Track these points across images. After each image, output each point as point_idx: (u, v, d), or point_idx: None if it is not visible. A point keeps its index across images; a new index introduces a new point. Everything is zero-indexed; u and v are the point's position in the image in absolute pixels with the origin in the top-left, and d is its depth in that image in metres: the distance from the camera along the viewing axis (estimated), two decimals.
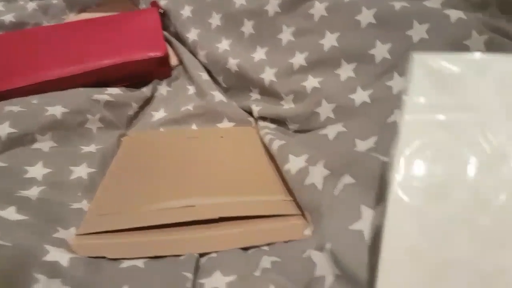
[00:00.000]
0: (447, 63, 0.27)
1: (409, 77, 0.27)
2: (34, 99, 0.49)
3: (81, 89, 0.53)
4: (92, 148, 0.48)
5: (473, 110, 0.25)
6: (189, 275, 0.32)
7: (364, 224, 0.30)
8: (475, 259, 0.22)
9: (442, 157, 0.24)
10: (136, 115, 0.56)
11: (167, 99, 0.58)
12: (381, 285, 0.22)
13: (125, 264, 0.34)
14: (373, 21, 0.48)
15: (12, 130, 0.44)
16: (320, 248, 0.31)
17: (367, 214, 0.31)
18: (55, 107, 0.48)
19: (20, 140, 0.44)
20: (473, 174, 0.23)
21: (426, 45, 0.45)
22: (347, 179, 0.35)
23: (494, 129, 0.24)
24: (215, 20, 0.60)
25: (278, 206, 0.40)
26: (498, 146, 0.24)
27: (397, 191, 0.24)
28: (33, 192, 0.39)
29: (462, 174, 0.24)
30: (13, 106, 0.47)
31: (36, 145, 0.45)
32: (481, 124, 0.25)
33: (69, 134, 0.48)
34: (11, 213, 0.35)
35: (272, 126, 0.54)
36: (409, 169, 0.24)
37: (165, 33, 0.65)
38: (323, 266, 0.30)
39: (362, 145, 0.41)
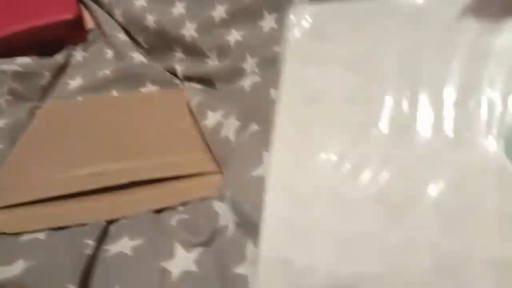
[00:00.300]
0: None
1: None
2: None
3: None
4: (0, 123, 0.45)
5: None
6: (91, 242, 0.30)
7: (265, 169, 0.29)
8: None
9: None
10: (50, 85, 0.52)
11: (84, 65, 0.54)
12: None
13: (25, 237, 0.32)
14: None
15: None
16: (222, 198, 0.30)
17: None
18: None
19: None
20: None
21: None
22: (253, 127, 0.34)
23: None
24: None
25: (192, 164, 0.38)
26: None
27: None
28: None
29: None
30: None
31: None
32: None
33: None
34: None
35: (199, 86, 0.51)
36: None
37: None
38: (225, 216, 0.29)
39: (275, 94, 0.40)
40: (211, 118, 0.40)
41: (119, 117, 0.47)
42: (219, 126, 0.39)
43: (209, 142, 0.39)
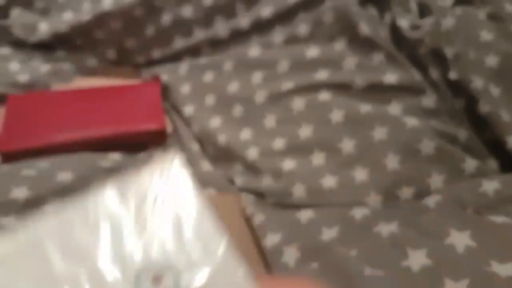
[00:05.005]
0: None
1: None
2: (46, 163, 0.56)
3: (87, 155, 0.60)
4: None
5: None
6: None
7: None
8: None
9: None
10: None
11: None
12: None
13: None
14: (342, 119, 0.58)
15: (29, 194, 0.50)
16: None
17: None
18: (65, 172, 0.54)
19: (33, 203, 0.50)
20: None
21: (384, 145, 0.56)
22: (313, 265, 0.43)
23: None
24: (210, 100, 0.69)
25: None
26: None
27: None
28: None
29: None
30: (29, 170, 0.53)
31: (45, 208, 0.51)
32: None
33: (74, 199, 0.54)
34: None
35: (252, 197, 0.62)
36: None
37: (164, 103, 0.73)
38: None
39: (328, 234, 0.49)
40: (270, 239, 0.49)
41: None
42: (278, 250, 0.47)
43: (269, 261, 0.48)
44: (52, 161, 0.57)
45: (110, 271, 0.18)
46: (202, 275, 0.19)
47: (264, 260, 0.50)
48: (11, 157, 0.59)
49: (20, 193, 0.50)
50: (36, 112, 0.64)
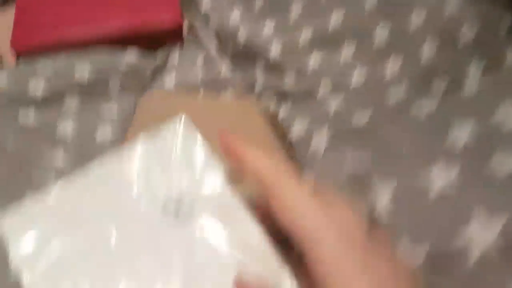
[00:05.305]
0: None
1: None
2: (63, 58, 0.54)
3: (104, 51, 0.58)
4: (113, 108, 0.54)
5: None
6: None
7: None
8: None
9: None
10: (150, 81, 0.62)
11: (178, 68, 0.63)
12: None
13: None
14: (376, 3, 0.51)
15: (46, 89, 0.49)
16: None
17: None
18: (83, 66, 0.53)
19: (52, 99, 0.50)
20: None
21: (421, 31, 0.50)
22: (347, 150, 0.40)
23: None
24: None
25: None
26: None
27: None
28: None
29: None
30: (46, 65, 0.52)
31: (65, 104, 0.51)
32: None
33: (93, 95, 0.54)
34: None
35: (274, 97, 0.59)
36: None
37: None
38: None
39: (359, 119, 0.45)
40: (297, 129, 0.47)
41: (201, 113, 0.55)
42: (307, 138, 0.45)
43: (297, 152, 0.46)
44: (69, 57, 0.55)
45: (144, 202, 0.26)
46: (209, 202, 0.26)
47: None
48: (26, 55, 0.58)
49: (37, 86, 0.49)
50: (47, 8, 0.61)
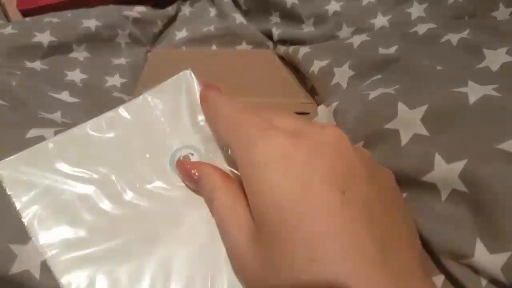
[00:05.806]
0: None
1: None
2: (69, 13, 0.53)
3: (111, 6, 0.56)
4: (122, 61, 0.52)
5: None
6: None
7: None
8: None
9: None
10: (160, 33, 0.60)
11: (190, 20, 0.61)
12: None
13: None
14: None
15: (53, 39, 0.48)
16: None
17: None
18: (89, 20, 0.51)
19: (59, 48, 0.49)
20: None
21: None
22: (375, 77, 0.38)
23: None
24: None
25: (296, 107, 0.44)
26: None
27: None
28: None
29: None
30: (52, 18, 0.51)
31: (72, 54, 0.50)
32: None
33: (101, 47, 0.52)
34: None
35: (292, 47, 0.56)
36: None
37: None
38: None
39: (386, 51, 0.42)
40: (318, 65, 0.44)
41: (220, 66, 0.53)
42: (328, 72, 0.42)
43: (317, 87, 0.44)
44: (76, 12, 0.54)
45: (153, 153, 0.28)
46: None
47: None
48: (32, 15, 0.56)
49: (43, 37, 0.47)
50: None
